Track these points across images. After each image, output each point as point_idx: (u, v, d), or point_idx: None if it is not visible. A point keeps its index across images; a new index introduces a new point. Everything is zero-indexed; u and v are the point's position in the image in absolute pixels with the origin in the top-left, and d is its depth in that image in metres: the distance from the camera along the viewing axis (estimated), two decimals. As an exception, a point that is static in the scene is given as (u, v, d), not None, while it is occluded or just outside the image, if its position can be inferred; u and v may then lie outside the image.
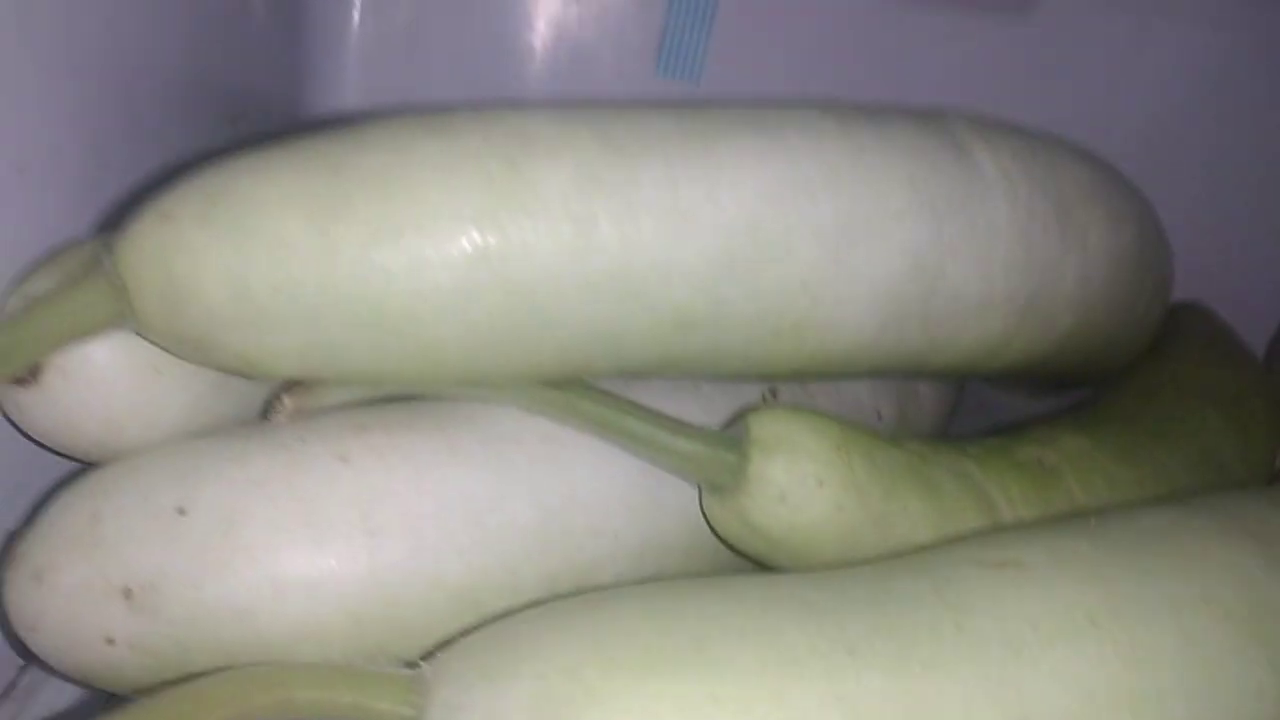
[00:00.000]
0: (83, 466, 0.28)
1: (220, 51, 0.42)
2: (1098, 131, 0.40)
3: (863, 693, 0.21)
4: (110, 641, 0.25)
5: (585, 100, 0.29)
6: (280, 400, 0.28)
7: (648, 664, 0.21)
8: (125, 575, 0.25)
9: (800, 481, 0.28)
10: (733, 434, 0.29)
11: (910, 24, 0.51)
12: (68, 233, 0.31)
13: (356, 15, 0.53)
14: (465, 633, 0.24)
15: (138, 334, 0.26)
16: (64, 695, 0.30)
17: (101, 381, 0.27)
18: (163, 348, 0.27)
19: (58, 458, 0.29)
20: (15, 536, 0.27)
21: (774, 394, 0.34)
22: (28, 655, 0.27)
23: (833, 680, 0.21)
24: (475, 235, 0.25)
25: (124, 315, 0.26)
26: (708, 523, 0.29)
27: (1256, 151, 0.52)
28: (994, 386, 0.47)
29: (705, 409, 0.32)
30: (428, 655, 0.23)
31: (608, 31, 0.52)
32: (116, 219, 0.33)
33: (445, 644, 0.23)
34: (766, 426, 0.28)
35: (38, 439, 0.28)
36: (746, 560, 0.30)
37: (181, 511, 0.26)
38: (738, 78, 0.52)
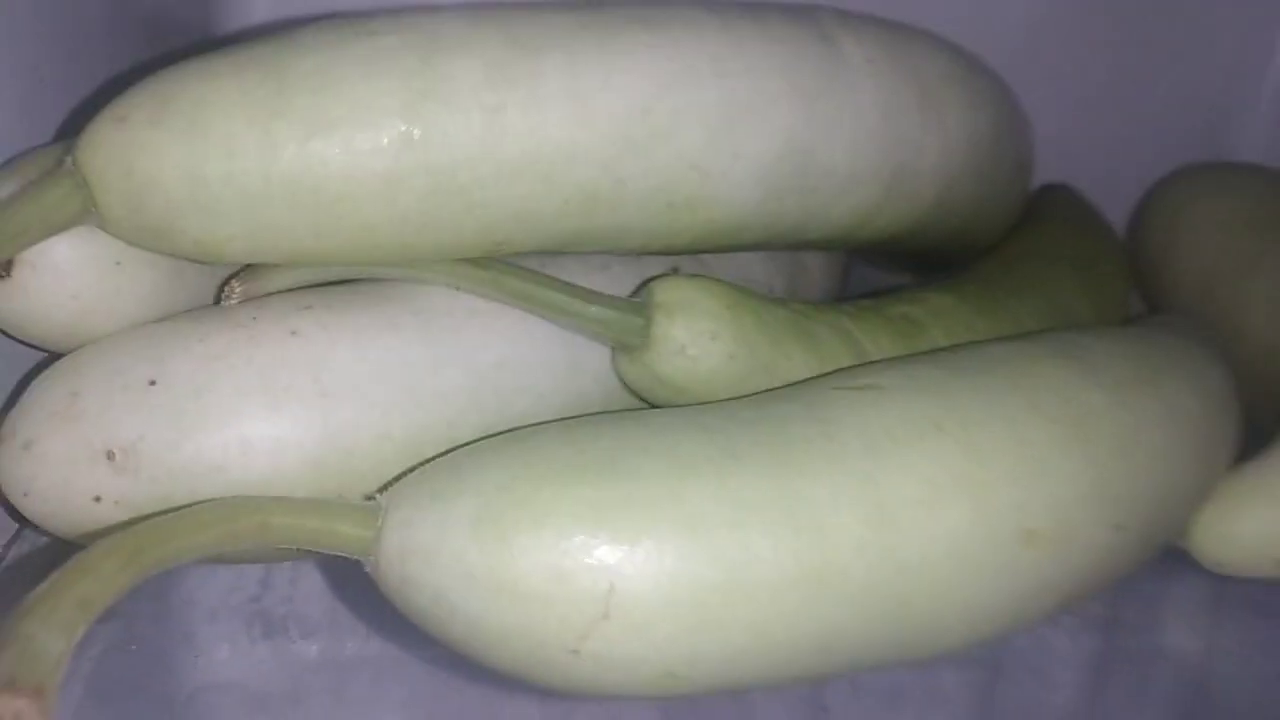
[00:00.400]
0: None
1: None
2: (967, 24, 0.44)
3: (748, 490, 0.25)
4: (97, 500, 0.29)
5: (492, 2, 0.32)
6: (231, 286, 0.31)
7: (569, 476, 0.25)
8: (107, 441, 0.28)
9: (697, 336, 0.32)
10: (638, 300, 0.33)
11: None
12: (17, 146, 0.33)
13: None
14: (413, 469, 0.27)
15: (101, 229, 0.29)
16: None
17: (68, 274, 0.30)
18: (124, 240, 0.29)
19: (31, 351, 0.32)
20: (1, 417, 0.30)
21: (676, 271, 0.38)
22: (21, 520, 0.30)
23: (722, 482, 0.25)
24: (399, 125, 0.28)
25: (88, 211, 0.28)
26: (620, 379, 0.34)
27: (1117, 39, 0.57)
28: (874, 265, 0.51)
29: (615, 285, 0.35)
30: (383, 488, 0.27)
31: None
32: (62, 132, 0.36)
33: (397, 479, 0.27)
34: (667, 291, 0.32)
35: (11, 332, 0.31)
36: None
37: (153, 384, 0.29)
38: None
